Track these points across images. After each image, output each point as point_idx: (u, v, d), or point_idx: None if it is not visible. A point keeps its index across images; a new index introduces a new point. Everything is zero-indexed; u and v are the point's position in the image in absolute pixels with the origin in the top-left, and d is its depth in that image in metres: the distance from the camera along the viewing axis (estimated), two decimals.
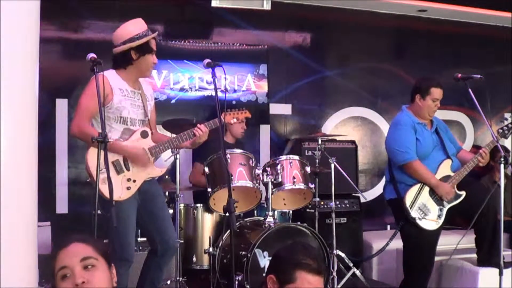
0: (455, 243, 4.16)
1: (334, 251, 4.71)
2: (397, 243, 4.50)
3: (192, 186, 5.11)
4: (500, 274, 3.79)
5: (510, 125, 4.18)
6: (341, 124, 6.40)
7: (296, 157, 4.63)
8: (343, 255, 4.81)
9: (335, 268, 4.67)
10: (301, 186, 4.53)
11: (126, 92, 3.48)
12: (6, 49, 2.44)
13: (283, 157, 4.58)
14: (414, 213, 4.07)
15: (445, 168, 4.17)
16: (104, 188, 3.03)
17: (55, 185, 5.31)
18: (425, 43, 6.63)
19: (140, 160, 3.44)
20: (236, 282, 3.98)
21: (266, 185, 4.44)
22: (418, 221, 4.06)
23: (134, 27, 3.49)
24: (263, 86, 6.03)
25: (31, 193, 2.59)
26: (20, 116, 2.54)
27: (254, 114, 4.07)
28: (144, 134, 3.52)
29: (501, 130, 4.18)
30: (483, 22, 6.77)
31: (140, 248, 4.34)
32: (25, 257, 2.54)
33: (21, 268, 2.50)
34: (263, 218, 4.48)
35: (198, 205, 4.78)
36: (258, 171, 4.42)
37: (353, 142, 5.93)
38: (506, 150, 4.11)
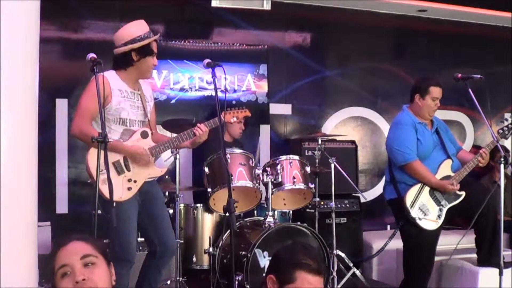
0: (455, 243, 4.16)
1: (334, 251, 4.71)
2: (397, 243, 4.50)
3: (192, 186, 5.12)
4: (500, 274, 3.79)
5: (510, 126, 4.17)
6: (341, 124, 6.39)
7: (296, 157, 4.63)
8: (343, 255, 4.81)
9: (335, 268, 4.67)
10: (301, 186, 4.53)
11: (125, 93, 3.47)
12: (6, 49, 2.44)
13: (283, 157, 4.58)
14: (414, 213, 4.07)
15: (446, 168, 4.17)
16: (104, 189, 3.03)
17: (55, 185, 5.30)
18: (425, 43, 6.63)
19: (142, 159, 3.43)
20: (236, 282, 3.98)
21: (266, 185, 4.44)
22: (418, 221, 4.06)
23: (136, 28, 3.48)
24: (263, 86, 6.03)
25: (31, 193, 2.59)
26: (20, 116, 2.54)
27: (254, 114, 4.07)
28: (144, 135, 3.52)
29: (501, 131, 4.18)
30: (483, 22, 6.77)
31: (140, 248, 4.33)
32: (25, 257, 2.54)
33: (21, 268, 2.49)
34: (263, 218, 4.48)
35: (198, 205, 4.78)
36: (258, 171, 4.42)
37: (353, 142, 5.93)
38: (506, 150, 4.10)
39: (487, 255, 4.14)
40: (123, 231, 3.34)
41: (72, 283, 1.79)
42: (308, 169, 4.60)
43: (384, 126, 6.37)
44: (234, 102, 5.77)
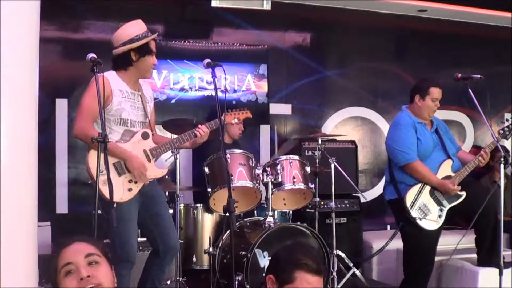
0: (455, 243, 4.16)
1: (334, 251, 4.71)
2: (397, 243, 4.51)
3: (192, 186, 5.12)
4: (500, 274, 3.80)
5: (511, 126, 4.18)
6: (341, 124, 6.39)
7: (296, 157, 4.64)
8: (343, 255, 4.81)
9: (335, 268, 4.67)
10: (301, 186, 4.53)
11: (126, 93, 3.47)
12: (6, 49, 2.44)
13: (283, 157, 4.58)
14: (414, 213, 4.07)
15: (446, 168, 4.17)
16: (105, 190, 3.03)
17: (55, 185, 5.30)
18: (425, 43, 6.63)
19: (136, 169, 3.39)
20: (236, 282, 3.98)
21: (266, 185, 4.44)
22: (418, 221, 4.06)
23: (134, 28, 3.49)
24: (263, 86, 6.03)
25: (31, 193, 2.59)
26: (20, 116, 2.53)
27: (254, 114, 4.07)
28: (145, 136, 3.51)
29: (502, 131, 4.18)
30: (483, 22, 6.77)
31: (141, 248, 4.33)
32: (25, 257, 2.54)
33: (21, 268, 2.49)
34: (263, 218, 4.48)
35: (198, 205, 4.78)
36: (258, 171, 4.42)
37: (353, 142, 5.93)
38: (506, 150, 4.10)
39: (487, 255, 4.14)
40: (123, 232, 3.34)
41: (76, 280, 1.80)
42: (308, 169, 4.60)
43: (384, 126, 6.36)
44: (234, 102, 5.77)
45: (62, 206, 5.32)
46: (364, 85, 6.47)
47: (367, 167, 6.46)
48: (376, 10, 6.40)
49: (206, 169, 4.42)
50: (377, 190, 6.24)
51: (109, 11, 5.46)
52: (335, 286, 4.61)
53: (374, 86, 6.54)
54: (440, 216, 4.11)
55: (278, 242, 4.00)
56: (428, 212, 4.09)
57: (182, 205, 4.65)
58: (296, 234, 4.27)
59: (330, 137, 5.61)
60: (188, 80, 5.77)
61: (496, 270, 3.85)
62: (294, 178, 4.49)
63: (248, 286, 4.01)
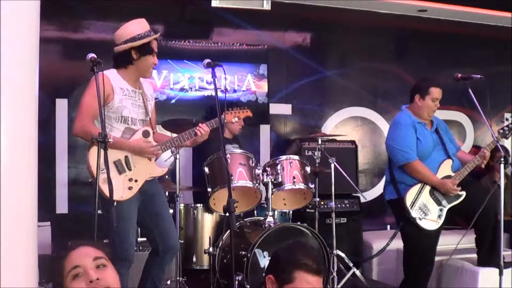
0: (455, 243, 4.16)
1: (334, 251, 4.71)
2: (397, 243, 4.51)
3: (192, 186, 5.12)
4: (500, 274, 3.80)
5: (510, 126, 4.17)
6: (341, 124, 6.39)
7: (296, 157, 4.64)
8: (343, 255, 4.81)
9: (335, 268, 4.67)
10: (301, 186, 4.53)
11: (127, 91, 3.48)
12: (6, 49, 2.44)
13: (283, 157, 4.58)
14: (414, 213, 4.07)
15: (446, 168, 4.17)
16: (105, 188, 3.03)
17: (55, 185, 5.31)
18: (425, 43, 6.63)
19: (146, 152, 3.43)
20: (236, 282, 3.98)
21: (266, 185, 4.44)
22: (418, 221, 4.06)
23: (136, 27, 3.49)
24: (263, 86, 6.03)
25: (31, 193, 2.59)
26: (20, 116, 2.53)
27: (254, 114, 4.07)
28: (145, 134, 3.52)
29: (501, 131, 4.18)
30: (483, 22, 6.77)
31: (140, 248, 4.34)
32: (25, 257, 2.54)
33: (21, 268, 2.49)
34: (263, 218, 4.48)
35: (198, 205, 4.78)
36: (258, 171, 4.42)
37: (353, 142, 5.93)
38: (506, 150, 4.10)
39: (487, 255, 4.14)
40: (123, 231, 3.34)
41: (85, 283, 1.81)
42: (308, 169, 4.60)
43: (384, 126, 6.36)
44: (234, 102, 5.76)
45: (62, 206, 5.32)
46: (364, 85, 6.47)
47: (367, 167, 6.46)
48: (376, 10, 6.40)
49: (206, 169, 4.42)
50: (377, 190, 6.24)
51: (109, 11, 5.46)
52: (335, 286, 4.61)
53: (374, 86, 6.54)
54: (440, 216, 4.11)
55: (278, 242, 3.99)
56: (428, 212, 4.09)
57: (182, 205, 4.65)
58: (296, 234, 4.27)
59: (330, 137, 5.61)
60: (188, 80, 5.77)
61: (496, 270, 3.85)
62: (294, 178, 4.49)
63: (248, 286, 4.01)
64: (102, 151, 2.87)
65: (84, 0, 5.44)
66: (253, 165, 4.45)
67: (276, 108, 6.14)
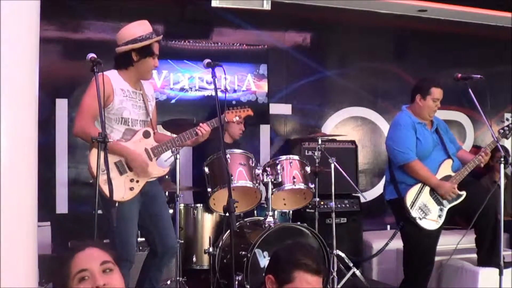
0: (455, 243, 4.16)
1: (334, 251, 4.71)
2: (397, 243, 4.50)
3: (192, 186, 5.12)
4: (500, 274, 3.80)
5: (511, 126, 4.17)
6: (341, 124, 6.39)
7: (296, 157, 4.64)
8: (343, 255, 4.81)
9: (335, 268, 4.67)
10: (301, 186, 4.53)
11: (127, 92, 3.47)
12: (6, 49, 2.44)
13: (283, 157, 4.58)
14: (414, 213, 4.07)
15: (446, 168, 4.17)
16: (106, 189, 3.02)
17: (55, 185, 5.30)
18: (425, 43, 6.63)
19: (138, 166, 3.41)
20: (236, 282, 3.98)
21: (266, 185, 4.44)
22: (418, 221, 4.06)
23: (138, 28, 3.48)
24: (263, 86, 6.03)
25: (31, 193, 2.59)
26: (20, 116, 2.53)
27: (254, 114, 4.07)
28: (146, 134, 3.51)
29: (502, 131, 4.18)
30: (483, 22, 6.77)
31: (140, 248, 4.34)
32: (25, 257, 2.54)
33: (21, 268, 2.49)
34: (263, 218, 4.48)
35: (198, 205, 4.78)
36: (258, 171, 4.42)
37: (353, 142, 5.93)
38: (506, 150, 4.10)
39: (487, 255, 4.14)
40: (124, 231, 3.34)
41: (91, 287, 1.80)
42: (308, 169, 4.60)
43: (384, 126, 6.36)
44: (234, 102, 5.77)
45: (62, 206, 5.32)
46: (364, 85, 6.47)
47: (367, 167, 6.46)
48: (376, 10, 6.40)
49: (206, 169, 4.42)
50: (377, 190, 6.24)
51: (109, 11, 5.46)
52: (335, 286, 4.61)
53: (374, 86, 6.54)
54: (440, 216, 4.11)
55: (278, 242, 4.00)
56: (428, 212, 4.09)
57: (182, 205, 4.65)
58: (296, 234, 4.27)
59: (330, 137, 5.62)
60: (188, 80, 5.77)
61: (496, 270, 3.85)
62: (294, 178, 4.49)
63: (248, 286, 4.01)
64: (103, 152, 2.87)
65: (84, 0, 5.44)
66: (253, 165, 4.45)
67: (276, 108, 6.14)
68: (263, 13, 5.67)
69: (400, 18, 6.53)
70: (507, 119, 4.20)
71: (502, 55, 6.65)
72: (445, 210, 4.12)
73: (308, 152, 5.26)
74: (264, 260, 4.12)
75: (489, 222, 4.08)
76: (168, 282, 4.38)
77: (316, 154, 4.87)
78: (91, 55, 3.04)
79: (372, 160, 6.50)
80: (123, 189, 3.36)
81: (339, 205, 5.41)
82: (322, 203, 5.00)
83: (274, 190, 4.45)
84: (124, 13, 5.32)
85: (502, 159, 3.81)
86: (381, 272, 5.50)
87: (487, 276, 4.11)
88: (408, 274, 4.25)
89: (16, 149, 2.49)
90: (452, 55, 6.62)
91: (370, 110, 6.49)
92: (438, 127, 4.31)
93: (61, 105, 5.33)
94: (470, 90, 3.98)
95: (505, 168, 3.85)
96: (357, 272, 4.85)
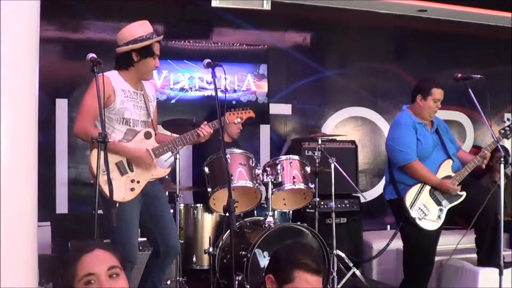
0: (455, 243, 4.16)
1: (334, 251, 4.71)
2: (397, 243, 4.50)
3: (192, 186, 5.12)
4: (500, 274, 3.80)
5: (511, 126, 4.17)
6: (341, 124, 6.39)
7: (296, 157, 4.64)
8: (343, 255, 4.81)
9: (335, 268, 4.67)
10: (301, 186, 4.53)
11: (128, 93, 3.47)
12: (6, 49, 2.44)
13: (283, 157, 4.58)
14: (414, 213, 4.07)
15: (446, 168, 4.17)
16: (107, 189, 3.03)
17: (55, 185, 5.30)
18: (425, 43, 6.63)
19: (143, 162, 3.43)
20: (236, 282, 3.98)
21: (266, 185, 4.44)
22: (418, 221, 4.06)
23: (138, 29, 3.47)
24: (263, 86, 6.03)
25: (31, 193, 2.59)
26: (20, 116, 2.54)
27: (254, 114, 4.07)
28: (147, 135, 3.51)
29: (503, 131, 4.18)
30: (483, 22, 6.77)
31: (141, 248, 4.33)
32: (25, 257, 2.54)
33: (21, 268, 2.49)
34: (263, 218, 4.48)
35: (198, 205, 4.78)
36: (258, 171, 4.42)
37: (353, 142, 5.93)
38: (506, 150, 4.10)
39: (487, 255, 4.14)
40: (125, 232, 3.34)
41: None
42: (308, 169, 4.60)
43: (384, 126, 6.36)
44: (234, 102, 5.77)
45: (62, 206, 5.32)
46: (364, 85, 6.47)
47: (367, 167, 6.46)
48: (376, 10, 6.40)
49: (206, 169, 4.42)
50: (377, 190, 6.24)
51: (109, 11, 5.46)
52: (335, 286, 4.61)
53: (374, 86, 6.54)
54: (439, 216, 4.11)
55: (278, 242, 4.00)
56: (427, 212, 4.09)
57: (182, 205, 4.65)
58: (296, 234, 4.27)
59: (330, 137, 5.62)
60: (188, 80, 5.77)
61: (496, 270, 3.85)
62: (294, 178, 4.49)
63: (248, 286, 4.01)
64: (103, 152, 2.87)
65: (84, 0, 5.44)
66: (253, 165, 4.45)
67: (276, 108, 6.14)
68: (263, 13, 5.67)
69: (400, 18, 6.53)
70: (508, 119, 4.20)
71: (502, 55, 6.65)
72: (445, 210, 4.12)
73: (308, 152, 5.26)
74: (264, 260, 4.12)
75: (489, 222, 4.08)
76: (168, 282, 4.38)
77: (316, 154, 4.87)
78: (91, 55, 3.04)
79: (372, 160, 6.50)
80: (124, 189, 3.36)
81: (339, 205, 5.41)
82: (322, 203, 5.00)
83: (274, 190, 4.45)
84: (124, 13, 5.32)
85: (502, 159, 3.81)
86: (381, 272, 5.49)
87: (487, 276, 4.11)
88: (408, 274, 4.25)
89: (16, 149, 2.49)
90: (452, 55, 6.63)
91: (370, 110, 6.49)
92: (438, 127, 4.30)
93: (61, 105, 5.33)
94: (470, 90, 3.98)
95: (505, 168, 3.85)
96: (357, 272, 4.85)
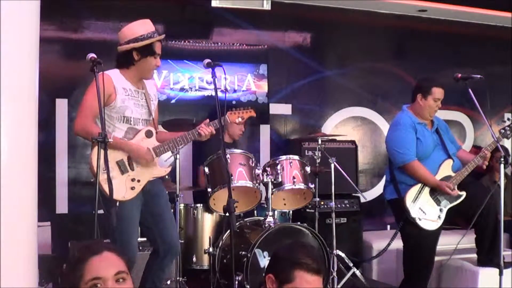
0: (455, 243, 4.16)
1: (334, 251, 4.71)
2: (397, 243, 4.50)
3: (192, 186, 5.11)
4: (500, 274, 3.80)
5: (511, 125, 4.17)
6: (341, 124, 6.40)
7: (296, 157, 4.63)
8: (343, 255, 4.81)
9: (335, 268, 4.67)
10: (301, 186, 4.53)
11: (129, 91, 3.47)
12: (6, 49, 2.44)
13: (283, 157, 4.58)
14: (414, 213, 4.07)
15: (446, 168, 4.16)
16: (107, 188, 3.03)
17: (55, 185, 5.30)
18: (425, 43, 6.63)
19: (144, 158, 3.43)
20: (236, 282, 3.98)
21: (266, 185, 4.44)
22: (418, 221, 4.06)
23: (140, 27, 3.46)
24: (263, 86, 6.03)
25: (31, 193, 2.60)
26: (20, 116, 2.54)
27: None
28: (148, 134, 3.51)
29: (503, 131, 4.17)
30: (483, 22, 6.77)
31: (141, 248, 4.33)
32: (25, 257, 2.54)
33: (21, 268, 2.50)
34: (263, 218, 4.47)
35: (198, 205, 4.78)
36: (258, 171, 4.42)
37: (353, 142, 5.93)
38: (506, 150, 4.10)
39: (487, 255, 4.14)
40: (125, 231, 3.34)
41: None
42: (308, 169, 4.60)
43: (384, 126, 6.36)
44: (234, 102, 5.77)
45: (62, 206, 5.32)
46: (364, 85, 6.47)
47: (367, 167, 6.46)
48: (376, 10, 6.40)
49: (206, 169, 4.41)
50: (377, 190, 6.24)
51: (109, 11, 5.46)
52: (335, 286, 4.61)
53: (374, 86, 6.54)
54: (439, 217, 4.11)
55: (278, 242, 4.00)
56: (427, 212, 4.08)
57: (182, 205, 4.65)
58: (296, 234, 4.27)
59: (330, 137, 5.61)
60: (188, 80, 5.77)
61: (496, 270, 3.84)
62: (294, 178, 4.48)
63: (248, 286, 4.01)
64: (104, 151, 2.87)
65: (84, 0, 5.44)
66: (253, 165, 4.44)
67: (276, 108, 6.15)
68: (263, 13, 5.68)
69: (400, 18, 6.54)
70: (508, 119, 4.20)
71: (502, 55, 6.65)
72: (445, 210, 4.12)
73: (308, 152, 5.26)
74: (264, 260, 4.12)
75: (489, 222, 4.07)
76: (168, 282, 4.37)
77: (316, 154, 4.87)
78: (91, 55, 3.04)
79: (372, 160, 6.50)
80: (124, 188, 3.36)
81: (339, 205, 5.41)
82: (322, 203, 5.00)
83: (274, 190, 4.45)
84: (124, 13, 5.32)
85: (502, 159, 3.81)
86: (381, 272, 5.49)
87: (487, 276, 4.11)
88: (408, 274, 4.25)
89: (16, 149, 2.49)
90: (452, 55, 6.63)
91: (370, 110, 6.49)
92: (439, 127, 4.30)
93: (61, 105, 5.33)
94: (470, 90, 3.98)
95: (505, 168, 3.85)
96: (357, 272, 4.85)
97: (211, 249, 4.45)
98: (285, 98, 6.20)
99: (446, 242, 4.37)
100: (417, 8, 6.38)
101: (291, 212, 4.86)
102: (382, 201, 4.84)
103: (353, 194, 5.62)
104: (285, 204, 4.77)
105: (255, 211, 4.72)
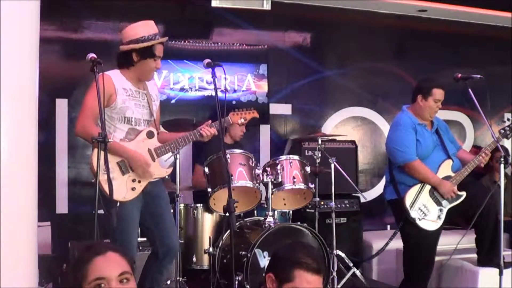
0: (455, 243, 4.16)
1: (334, 251, 4.71)
2: (397, 243, 4.50)
3: (192, 187, 5.11)
4: (500, 274, 3.80)
5: (511, 125, 4.17)
6: (341, 124, 6.40)
7: (296, 157, 4.63)
8: (343, 255, 4.81)
9: (335, 268, 4.67)
10: (301, 186, 4.53)
11: (130, 92, 3.46)
12: (6, 49, 2.44)
13: (283, 157, 4.58)
14: (414, 213, 4.07)
15: (446, 169, 4.16)
16: (107, 188, 3.03)
17: (55, 185, 5.30)
18: (425, 43, 6.63)
19: (139, 166, 3.40)
20: (236, 282, 3.98)
21: (266, 185, 4.44)
22: (418, 221, 4.06)
23: (142, 29, 3.45)
24: (263, 86, 6.03)
25: (31, 193, 2.60)
26: (20, 116, 2.54)
27: None
28: (150, 135, 3.50)
29: (503, 131, 4.18)
30: (483, 22, 6.77)
31: (140, 248, 4.33)
32: (25, 257, 2.54)
33: (21, 268, 2.50)
34: (263, 218, 4.47)
35: (198, 205, 4.78)
36: (258, 171, 4.42)
37: (353, 142, 5.93)
38: (506, 150, 4.10)
39: (487, 255, 4.14)
40: (125, 232, 3.33)
41: None
42: (308, 169, 4.60)
43: (384, 126, 6.37)
44: (234, 102, 5.77)
45: (62, 206, 5.32)
46: (364, 85, 6.47)
47: (367, 167, 6.46)
48: (376, 10, 6.40)
49: (206, 169, 4.41)
50: (377, 190, 6.24)
51: (110, 11, 5.46)
52: (335, 286, 4.61)
53: (374, 86, 6.54)
54: (439, 217, 4.11)
55: (278, 242, 4.00)
56: (427, 213, 4.09)
57: (182, 205, 4.65)
58: (296, 234, 4.27)
59: (330, 137, 5.61)
60: (188, 80, 5.77)
61: (496, 270, 3.85)
62: (294, 178, 4.48)
63: (248, 286, 4.01)
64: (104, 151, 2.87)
65: (84, 0, 5.44)
66: (253, 165, 4.44)
67: (276, 108, 6.15)
68: (263, 13, 5.68)
69: (400, 18, 6.54)
70: (508, 119, 4.20)
71: (502, 55, 6.65)
72: (445, 210, 4.12)
73: (308, 152, 5.26)
74: (264, 260, 4.12)
75: (489, 222, 4.07)
76: (168, 282, 4.37)
77: (316, 154, 4.87)
78: (91, 55, 3.04)
79: (372, 160, 6.50)
80: (125, 189, 3.36)
81: (339, 205, 5.41)
82: (322, 203, 5.00)
83: (274, 190, 4.45)
84: (124, 13, 5.32)
85: (502, 159, 3.81)
86: (381, 272, 5.50)
87: (487, 276, 4.11)
88: (408, 274, 4.25)
89: (16, 149, 2.49)
90: (452, 55, 6.63)
91: (370, 110, 6.49)
92: (439, 127, 4.30)
93: (61, 105, 5.33)
94: (470, 90, 3.98)
95: (505, 168, 3.85)
96: (357, 272, 4.85)
97: (211, 249, 4.45)
98: (285, 98, 6.20)
99: (446, 242, 4.37)
100: (417, 8, 6.38)
101: (291, 212, 4.86)
102: (382, 201, 4.84)
103: (353, 194, 5.62)
104: (285, 204, 4.77)
105: (255, 211, 4.72)
